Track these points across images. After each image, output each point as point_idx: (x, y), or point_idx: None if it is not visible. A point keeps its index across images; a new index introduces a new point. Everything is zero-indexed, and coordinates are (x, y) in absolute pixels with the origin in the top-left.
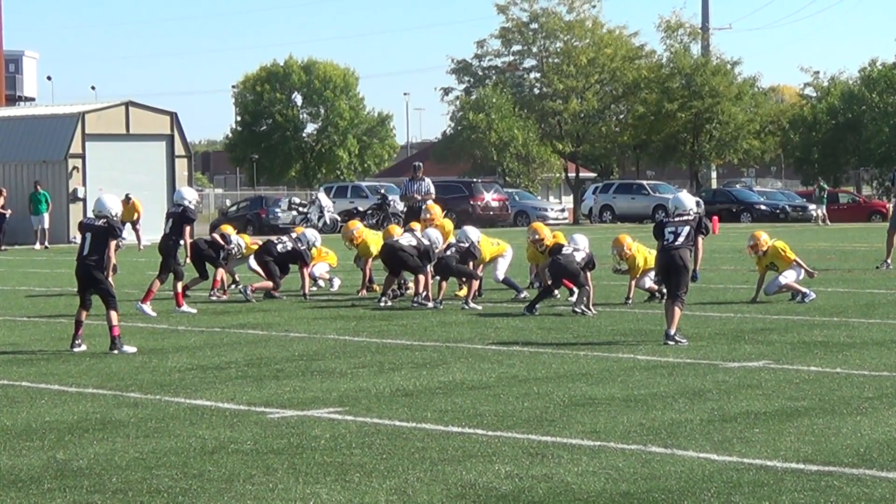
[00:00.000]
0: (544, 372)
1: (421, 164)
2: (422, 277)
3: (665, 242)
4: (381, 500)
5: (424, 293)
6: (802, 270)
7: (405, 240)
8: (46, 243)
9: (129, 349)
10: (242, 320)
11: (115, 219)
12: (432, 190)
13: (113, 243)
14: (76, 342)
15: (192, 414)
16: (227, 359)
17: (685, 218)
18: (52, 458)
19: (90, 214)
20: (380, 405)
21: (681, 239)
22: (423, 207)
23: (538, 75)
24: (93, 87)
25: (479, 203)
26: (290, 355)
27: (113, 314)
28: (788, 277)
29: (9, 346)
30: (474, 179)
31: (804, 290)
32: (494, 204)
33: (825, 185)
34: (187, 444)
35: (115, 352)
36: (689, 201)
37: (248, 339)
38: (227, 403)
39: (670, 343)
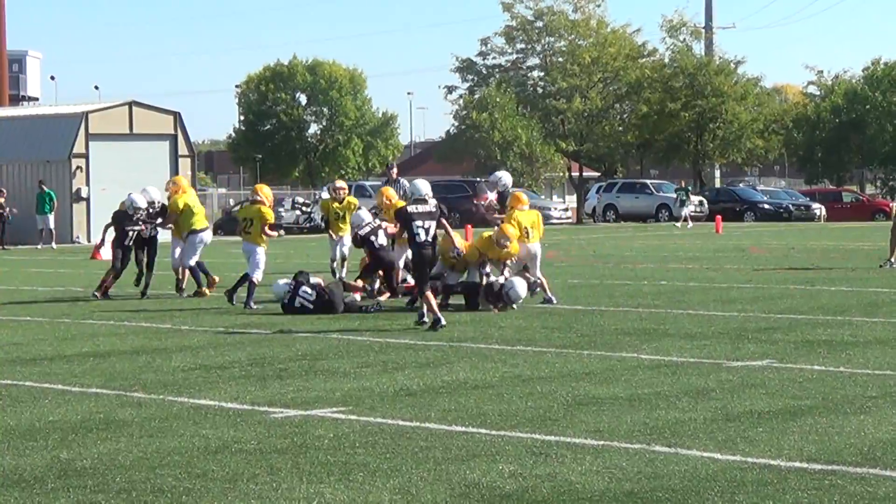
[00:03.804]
0: (548, 371)
1: (394, 163)
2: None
3: (417, 239)
4: (384, 499)
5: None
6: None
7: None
8: (53, 244)
9: None
10: (245, 320)
11: None
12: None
13: None
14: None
15: (195, 413)
16: (230, 358)
17: (429, 210)
18: (56, 458)
19: None
20: (383, 405)
21: (431, 236)
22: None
23: (542, 74)
24: (96, 87)
25: (482, 202)
26: (293, 355)
27: None
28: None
29: (12, 345)
30: (478, 179)
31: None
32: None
33: (688, 187)
34: (191, 444)
35: None
36: (424, 187)
37: (252, 338)
38: (230, 403)
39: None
